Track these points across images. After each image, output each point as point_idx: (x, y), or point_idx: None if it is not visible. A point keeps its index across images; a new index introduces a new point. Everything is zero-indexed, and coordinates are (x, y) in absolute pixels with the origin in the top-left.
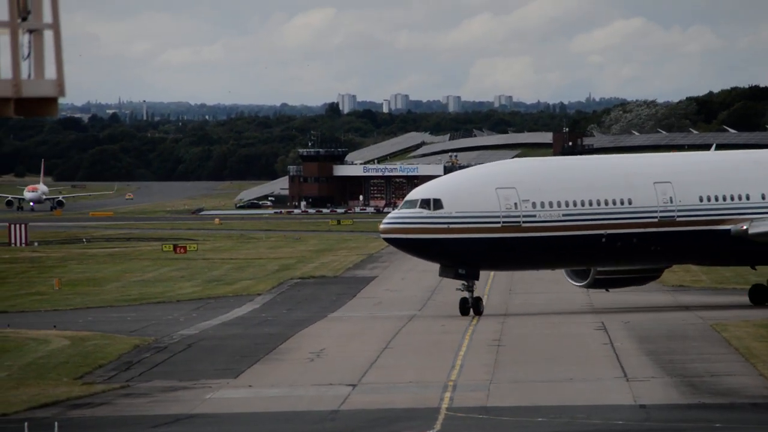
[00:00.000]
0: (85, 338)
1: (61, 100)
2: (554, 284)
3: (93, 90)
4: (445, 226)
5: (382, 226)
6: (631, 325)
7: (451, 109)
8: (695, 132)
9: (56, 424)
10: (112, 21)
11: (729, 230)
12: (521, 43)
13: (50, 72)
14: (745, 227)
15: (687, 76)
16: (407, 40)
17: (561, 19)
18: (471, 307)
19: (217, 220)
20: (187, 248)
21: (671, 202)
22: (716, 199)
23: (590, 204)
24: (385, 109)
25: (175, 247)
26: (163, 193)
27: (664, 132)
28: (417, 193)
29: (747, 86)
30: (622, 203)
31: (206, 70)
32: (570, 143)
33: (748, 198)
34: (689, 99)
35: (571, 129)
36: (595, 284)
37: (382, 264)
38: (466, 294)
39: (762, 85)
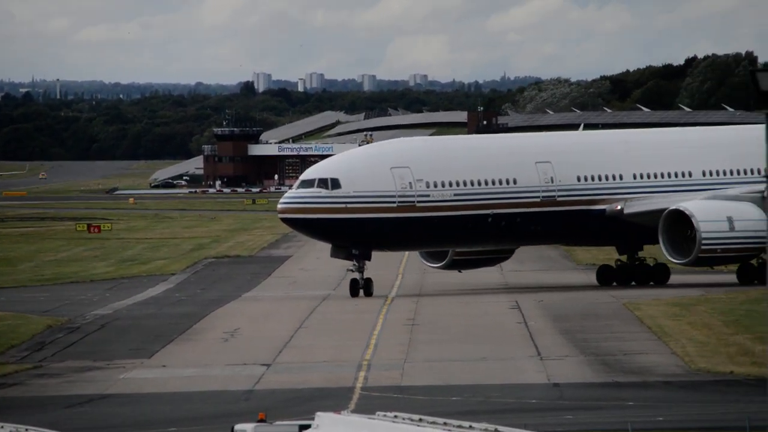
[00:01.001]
0: None
1: None
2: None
3: (6, 69)
4: (343, 205)
5: (279, 206)
6: (545, 303)
7: (366, 88)
8: (609, 111)
9: None
10: None
11: (604, 210)
12: (439, 22)
13: None
14: (619, 207)
15: (603, 54)
16: (324, 18)
17: None
18: (362, 288)
19: (131, 200)
20: (102, 228)
21: (552, 182)
22: (592, 179)
23: (479, 184)
24: (300, 88)
25: (89, 226)
26: (78, 173)
27: (578, 111)
28: (314, 172)
29: (661, 65)
30: (507, 183)
31: (121, 49)
32: (485, 122)
33: (621, 178)
34: (603, 78)
35: (486, 108)
36: (452, 265)
37: (297, 243)
38: (356, 275)
39: (675, 63)
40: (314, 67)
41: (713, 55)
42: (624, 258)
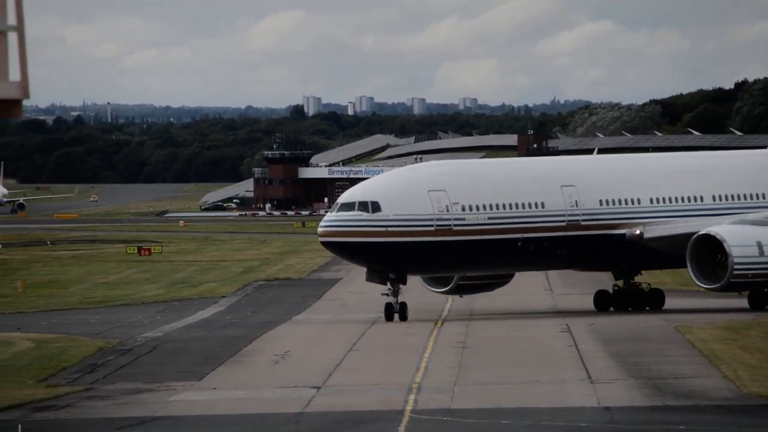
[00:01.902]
0: (49, 340)
1: (25, 102)
2: (518, 287)
3: (58, 92)
4: (384, 229)
5: (320, 230)
6: (596, 327)
7: (416, 112)
8: (659, 134)
9: (20, 426)
10: (79, 23)
11: (624, 234)
12: (487, 46)
13: (14, 74)
14: (638, 231)
15: (653, 79)
16: (373, 42)
17: (529, 22)
18: (396, 312)
19: (181, 223)
20: (152, 250)
21: (576, 205)
22: (613, 203)
23: (510, 207)
24: (350, 112)
25: (139, 249)
26: (128, 196)
27: (628, 135)
28: (353, 195)
29: (711, 88)
30: (536, 206)
31: (171, 72)
32: (535, 145)
33: (639, 202)
34: (653, 101)
35: (536, 131)
36: (457, 290)
37: (347, 266)
38: (392, 299)
39: (726, 87)
40: (364, 91)
41: (764, 78)
42: (621, 283)
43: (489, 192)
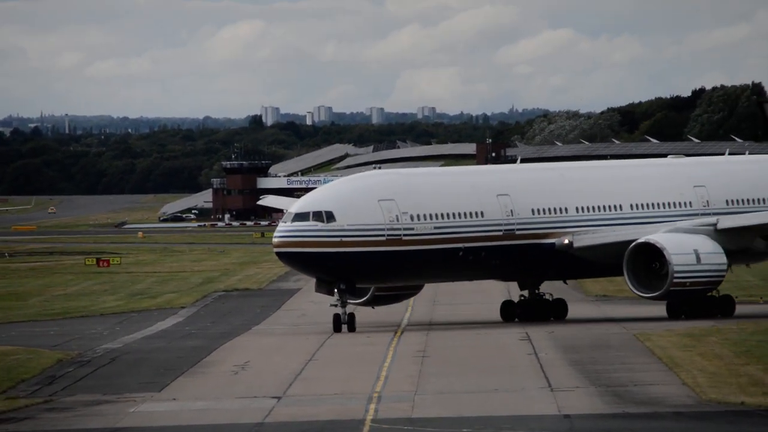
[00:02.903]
0: (7, 353)
1: None
2: (479, 294)
3: (15, 104)
4: (339, 239)
5: (276, 240)
6: (556, 335)
7: (374, 121)
8: (617, 142)
9: None
10: (39, 34)
11: (554, 244)
12: (448, 55)
13: None
14: (567, 241)
15: (612, 86)
16: (334, 52)
17: (489, 30)
18: (344, 323)
19: (140, 234)
20: (111, 262)
21: (512, 215)
22: (544, 212)
23: (453, 216)
24: (309, 122)
25: (98, 260)
26: (86, 207)
27: (586, 143)
28: (306, 205)
29: (669, 96)
30: (476, 216)
31: (130, 83)
32: (493, 154)
33: (566, 211)
34: (611, 110)
35: (495, 140)
36: (373, 301)
37: (306, 277)
38: (339, 310)
39: (684, 95)
40: (323, 101)
41: (721, 86)
42: (526, 293)
43: (434, 201)
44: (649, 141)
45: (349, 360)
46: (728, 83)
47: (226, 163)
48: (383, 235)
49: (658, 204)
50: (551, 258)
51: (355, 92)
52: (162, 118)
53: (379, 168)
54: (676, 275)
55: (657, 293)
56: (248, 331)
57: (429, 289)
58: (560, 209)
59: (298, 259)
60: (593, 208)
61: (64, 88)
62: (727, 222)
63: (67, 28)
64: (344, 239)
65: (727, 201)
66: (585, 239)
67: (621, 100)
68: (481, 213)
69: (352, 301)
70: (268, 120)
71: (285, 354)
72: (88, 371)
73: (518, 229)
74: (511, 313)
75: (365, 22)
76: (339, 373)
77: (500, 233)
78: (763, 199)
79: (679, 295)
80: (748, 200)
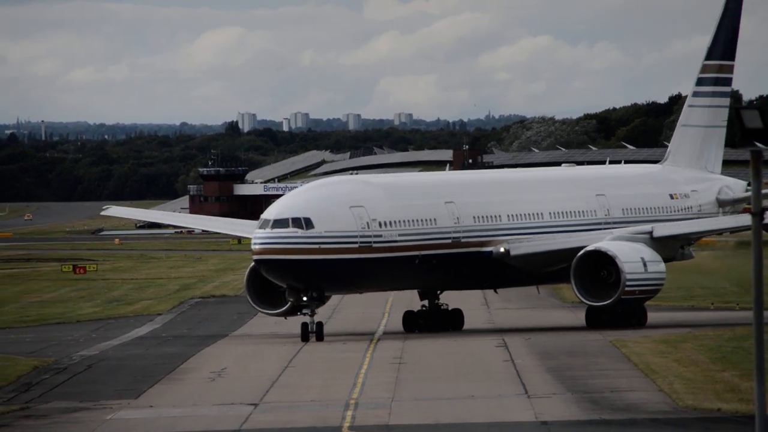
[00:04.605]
0: None
1: None
2: (456, 302)
3: None
4: (317, 246)
5: (256, 247)
6: (532, 341)
7: (351, 128)
8: (594, 149)
9: None
10: (17, 40)
11: (491, 252)
12: (428, 62)
13: None
14: (503, 249)
15: (590, 93)
16: (312, 58)
17: (469, 37)
18: (312, 332)
19: (117, 240)
20: (87, 268)
21: (458, 222)
22: (483, 219)
23: (412, 223)
24: (285, 128)
25: (74, 267)
26: (63, 214)
27: (563, 149)
28: (283, 211)
29: (645, 102)
30: (430, 223)
31: (107, 90)
32: (470, 161)
33: (499, 219)
34: (587, 116)
35: (471, 146)
36: (291, 311)
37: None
38: (307, 319)
39: (660, 101)
40: (300, 107)
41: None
42: (427, 303)
43: (398, 208)
44: (626, 147)
45: (325, 367)
46: None
47: (203, 169)
48: (356, 242)
49: (570, 212)
50: (488, 266)
51: (333, 99)
52: (139, 124)
53: (357, 174)
54: (628, 283)
55: (607, 302)
56: (225, 337)
57: (404, 295)
58: (495, 217)
59: (278, 267)
60: (521, 216)
61: (41, 94)
62: (662, 230)
63: (44, 35)
64: (322, 246)
65: (623, 210)
66: (521, 247)
67: (598, 107)
68: (434, 220)
69: (266, 312)
70: (245, 126)
71: (262, 361)
72: (64, 378)
73: (463, 237)
74: (412, 323)
75: (343, 29)
76: (316, 380)
77: (449, 241)
78: (653, 208)
79: (627, 303)
80: (639, 209)
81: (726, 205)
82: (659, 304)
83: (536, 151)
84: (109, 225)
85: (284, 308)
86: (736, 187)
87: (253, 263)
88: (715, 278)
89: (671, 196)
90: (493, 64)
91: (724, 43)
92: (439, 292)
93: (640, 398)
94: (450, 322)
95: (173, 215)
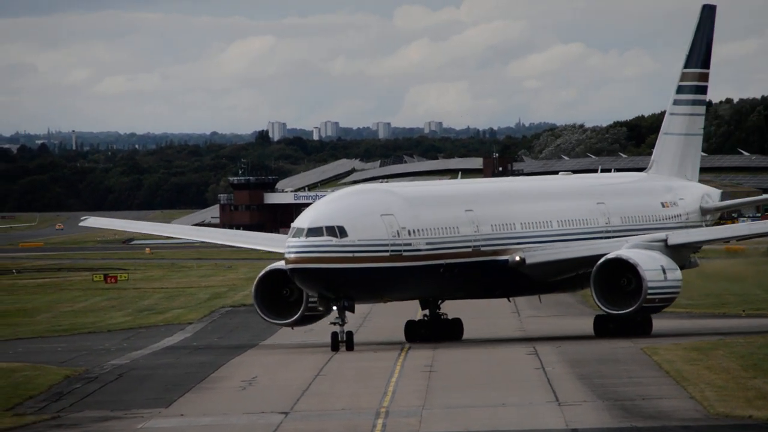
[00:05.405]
0: (15, 369)
1: None
2: (486, 309)
3: (22, 121)
4: (351, 254)
5: (291, 256)
6: (563, 349)
7: (381, 136)
8: (624, 156)
9: None
10: (49, 50)
11: (507, 260)
12: (458, 70)
13: None
14: (518, 258)
15: (620, 100)
16: (343, 67)
17: (500, 45)
18: (342, 342)
19: (147, 250)
20: (118, 278)
21: (478, 230)
22: (499, 228)
23: (439, 231)
24: (315, 137)
25: (105, 276)
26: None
27: (593, 156)
28: (317, 219)
29: None
30: (453, 231)
31: (138, 99)
32: (500, 168)
33: (513, 227)
34: (617, 123)
35: (502, 154)
36: (301, 321)
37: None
38: (337, 328)
39: None
40: (330, 116)
41: (728, 99)
42: (428, 312)
43: (425, 216)
44: None
45: (356, 375)
46: (737, 97)
47: (233, 178)
48: (387, 251)
49: (576, 221)
50: (503, 274)
51: (363, 108)
52: (169, 134)
53: (386, 182)
54: (649, 291)
55: (628, 310)
56: (255, 346)
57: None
58: (510, 225)
59: (312, 275)
60: (533, 224)
61: (72, 104)
62: (676, 238)
63: (75, 45)
64: (356, 255)
65: (621, 218)
66: (536, 256)
67: (629, 114)
68: (457, 228)
69: (274, 322)
70: (275, 135)
71: (292, 369)
72: (95, 387)
73: (483, 246)
74: (415, 333)
75: (374, 37)
76: (346, 389)
77: (470, 249)
78: (647, 216)
79: (647, 311)
80: (636, 217)
81: (708, 213)
82: (690, 311)
83: (566, 158)
84: (139, 234)
85: (293, 318)
86: (714, 195)
87: (261, 273)
88: (746, 285)
89: (662, 205)
90: (524, 71)
91: (700, 52)
92: (440, 301)
93: (671, 406)
94: (450, 332)
95: (152, 225)
